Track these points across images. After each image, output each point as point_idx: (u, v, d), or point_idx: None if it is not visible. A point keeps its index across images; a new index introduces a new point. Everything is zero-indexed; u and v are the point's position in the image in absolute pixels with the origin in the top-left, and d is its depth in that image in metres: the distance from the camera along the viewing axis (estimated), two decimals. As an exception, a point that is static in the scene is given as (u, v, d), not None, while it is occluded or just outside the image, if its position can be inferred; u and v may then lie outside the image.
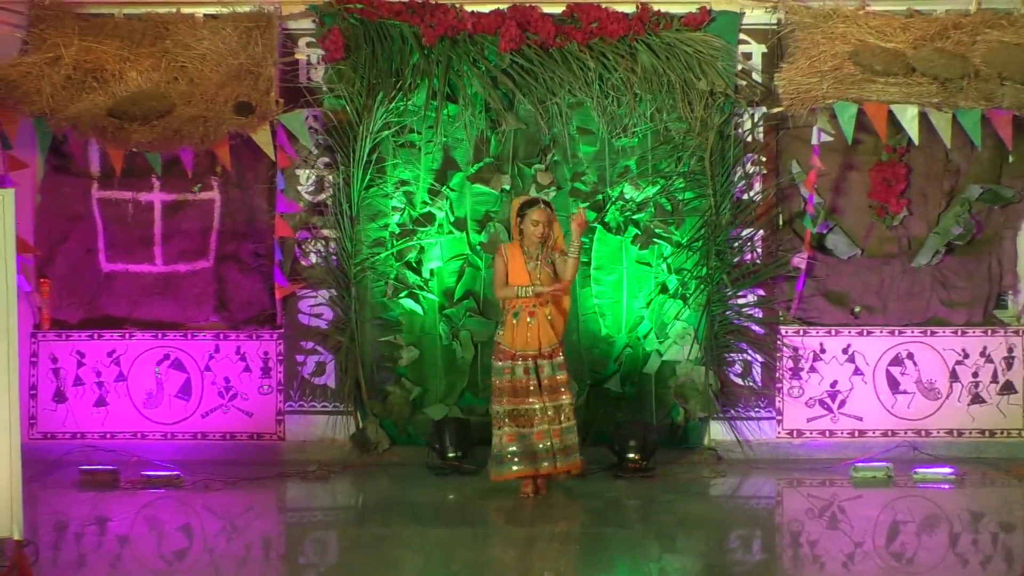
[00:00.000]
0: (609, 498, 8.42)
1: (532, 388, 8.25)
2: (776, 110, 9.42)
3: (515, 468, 8.23)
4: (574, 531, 7.64)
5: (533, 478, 8.31)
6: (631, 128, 9.65)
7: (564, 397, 8.28)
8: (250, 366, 9.65)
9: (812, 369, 9.67)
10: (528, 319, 8.28)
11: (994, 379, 9.63)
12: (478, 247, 9.74)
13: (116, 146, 9.10)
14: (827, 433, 9.65)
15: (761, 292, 9.68)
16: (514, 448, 8.21)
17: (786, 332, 9.67)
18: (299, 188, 9.66)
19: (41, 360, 9.63)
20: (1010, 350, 9.64)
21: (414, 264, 9.73)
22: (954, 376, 9.65)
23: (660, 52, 9.57)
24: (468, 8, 9.57)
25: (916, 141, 9.15)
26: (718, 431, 9.66)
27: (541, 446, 8.22)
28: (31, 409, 9.59)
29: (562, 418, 8.27)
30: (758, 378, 9.66)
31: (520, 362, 8.27)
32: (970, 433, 9.64)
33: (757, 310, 9.67)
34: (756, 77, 9.66)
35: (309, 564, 7.14)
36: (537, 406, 8.24)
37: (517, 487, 8.35)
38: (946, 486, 8.76)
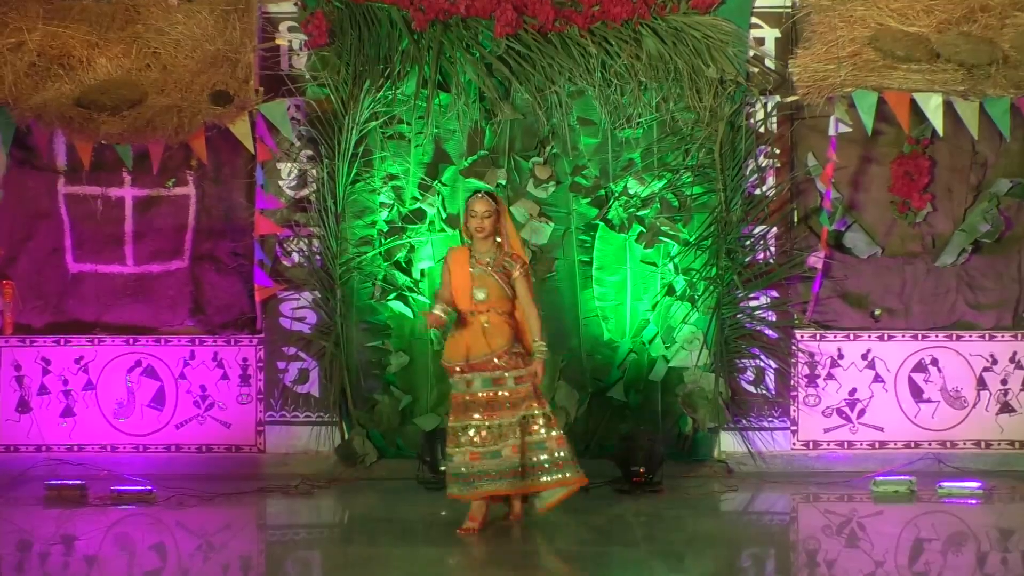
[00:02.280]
0: (612, 514, 8.40)
1: (492, 402, 7.83)
2: (791, 99, 9.41)
3: (488, 486, 7.78)
4: (575, 550, 7.62)
5: (508, 498, 7.97)
6: (635, 118, 9.64)
7: (537, 407, 7.83)
8: (228, 373, 9.63)
9: (829, 376, 9.66)
10: (473, 327, 7.84)
11: (1024, 387, 9.64)
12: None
13: (84, 138, 9.08)
14: (845, 444, 9.64)
15: (775, 294, 9.67)
16: (478, 467, 7.77)
17: (801, 336, 9.65)
18: (280, 183, 9.65)
19: (3, 367, 9.60)
20: (1041, 355, 9.66)
21: (403, 264, 9.71)
22: (981, 383, 9.64)
23: (667, 37, 9.55)
24: (461, -10, 9.56)
25: (940, 132, 9.14)
26: (729, 442, 9.64)
27: (516, 462, 7.77)
28: (-7, 420, 9.57)
29: (538, 428, 7.83)
30: (771, 386, 9.65)
31: (475, 373, 7.81)
32: (999, 444, 9.63)
33: (770, 313, 9.66)
34: (769, 64, 9.65)
35: (291, 586, 7.13)
36: (492, 423, 7.78)
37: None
38: (973, 501, 8.74)
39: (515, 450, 7.73)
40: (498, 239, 7.96)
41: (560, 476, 7.84)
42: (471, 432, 7.78)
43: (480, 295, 7.84)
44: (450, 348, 7.90)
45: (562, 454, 7.84)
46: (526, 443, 7.78)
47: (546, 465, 7.82)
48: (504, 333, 7.83)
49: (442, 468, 9.04)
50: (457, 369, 7.83)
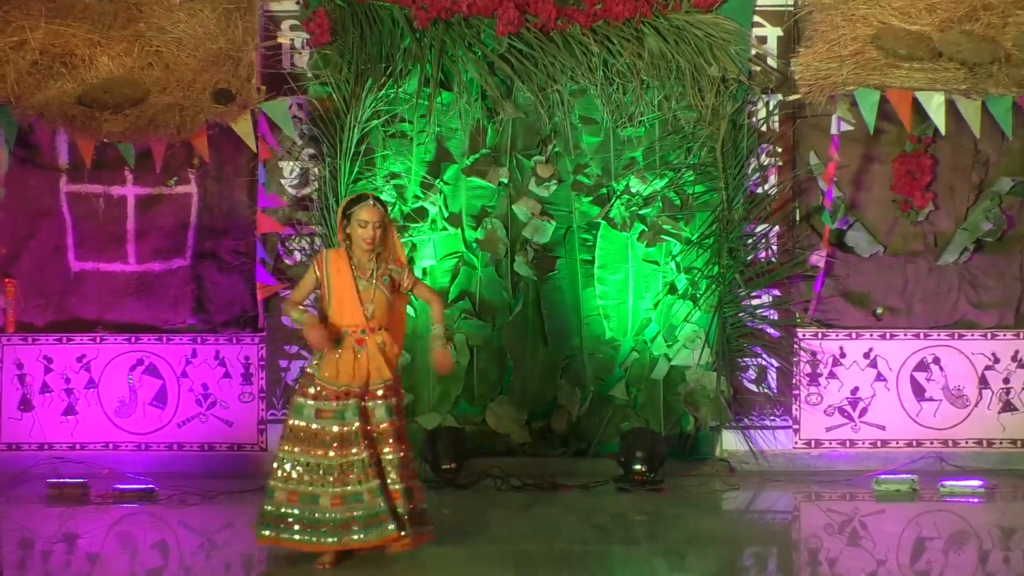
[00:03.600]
0: (614, 513, 8.40)
1: (345, 437, 6.81)
2: (793, 98, 9.41)
3: (296, 537, 6.83)
4: (577, 549, 7.61)
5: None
6: (637, 117, 9.64)
7: (390, 451, 6.88)
8: (230, 372, 9.63)
9: (831, 375, 9.66)
10: (356, 347, 6.91)
11: (1026, 385, 9.64)
12: (474, 244, 9.71)
13: (86, 136, 9.09)
14: (847, 443, 9.63)
15: (777, 292, 9.66)
16: (296, 512, 6.82)
17: (803, 335, 9.65)
18: (282, 181, 9.65)
19: (5, 366, 9.59)
20: (1043, 354, 9.66)
21: (405, 263, 9.70)
22: (983, 382, 9.64)
23: (668, 36, 9.55)
24: (463, -12, 9.56)
25: (943, 130, 9.15)
26: (731, 441, 9.64)
27: (337, 515, 6.78)
28: (-5, 418, 9.58)
29: (389, 479, 6.84)
30: (773, 384, 9.64)
31: (344, 402, 6.85)
32: (1001, 443, 9.63)
33: (772, 312, 9.65)
34: (771, 62, 9.65)
35: (292, 584, 7.12)
36: (344, 461, 6.79)
37: (516, 502, 8.32)
38: (975, 500, 8.74)
39: (368, 495, 6.77)
40: (378, 250, 7.00)
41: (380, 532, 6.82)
42: (314, 470, 6.81)
43: (369, 309, 6.94)
44: (340, 370, 6.87)
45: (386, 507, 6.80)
46: (372, 489, 6.76)
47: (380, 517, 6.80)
48: (394, 356, 7.06)
49: (444, 467, 9.07)
50: (331, 395, 6.85)
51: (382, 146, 9.67)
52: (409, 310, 9.65)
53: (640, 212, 9.69)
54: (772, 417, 9.64)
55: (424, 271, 9.71)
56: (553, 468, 9.32)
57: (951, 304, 9.76)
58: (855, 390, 9.64)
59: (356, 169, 9.59)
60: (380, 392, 6.90)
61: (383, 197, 9.61)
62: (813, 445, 9.64)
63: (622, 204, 9.69)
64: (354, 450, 6.78)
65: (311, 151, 9.65)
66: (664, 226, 9.66)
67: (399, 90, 9.61)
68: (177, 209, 9.77)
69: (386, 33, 9.58)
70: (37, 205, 9.72)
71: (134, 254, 9.77)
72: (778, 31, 9.69)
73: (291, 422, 6.87)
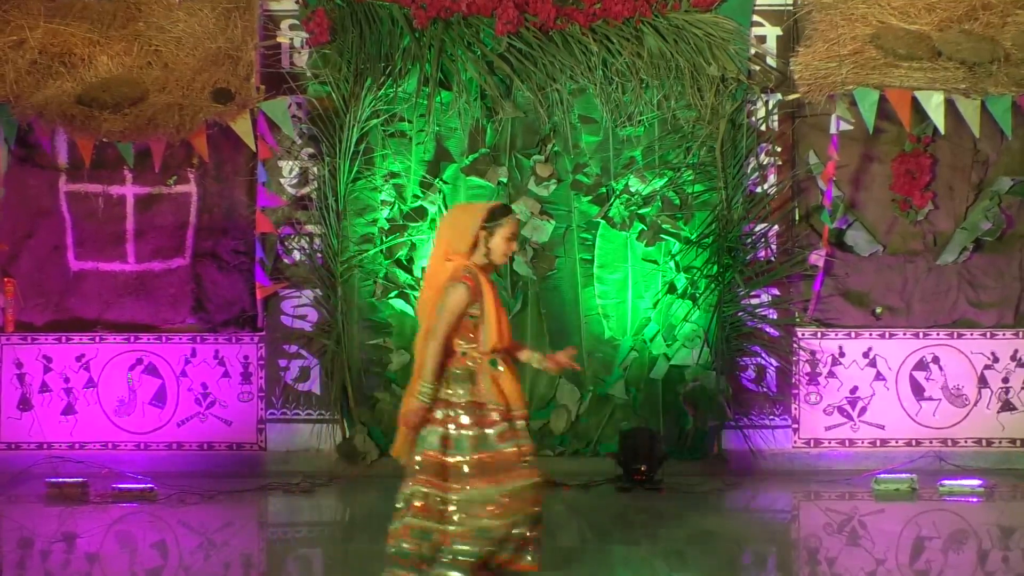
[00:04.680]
0: (614, 512, 8.40)
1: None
2: (792, 97, 9.41)
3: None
4: (576, 548, 7.61)
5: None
6: (637, 116, 9.63)
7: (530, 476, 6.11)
8: (229, 371, 9.63)
9: (831, 374, 9.65)
10: (500, 366, 6.10)
11: (1025, 385, 9.64)
12: (473, 244, 9.69)
13: (85, 136, 9.09)
14: (847, 442, 9.63)
15: (776, 292, 9.66)
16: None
17: (803, 334, 9.65)
18: (281, 181, 9.64)
19: (5, 365, 9.59)
20: (1042, 353, 9.66)
21: (404, 262, 9.71)
22: (983, 381, 9.64)
23: (668, 35, 9.55)
24: (462, -12, 9.56)
25: (942, 130, 9.15)
26: (730, 440, 9.63)
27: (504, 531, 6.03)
28: (-6, 418, 9.58)
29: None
30: (773, 384, 9.64)
31: (514, 423, 6.10)
32: (1000, 442, 9.63)
33: (772, 311, 9.65)
34: (770, 62, 9.65)
35: (292, 583, 7.13)
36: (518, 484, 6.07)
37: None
38: (974, 499, 8.73)
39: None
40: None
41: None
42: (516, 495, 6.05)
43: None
44: (491, 390, 6.04)
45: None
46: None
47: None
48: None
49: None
50: (499, 417, 6.05)
51: (381, 145, 9.67)
52: (408, 309, 9.66)
53: (639, 211, 9.68)
54: (771, 416, 9.64)
55: (423, 270, 9.70)
56: (553, 467, 9.29)
57: (950, 303, 9.76)
58: (854, 389, 9.64)
59: (355, 168, 9.59)
60: (521, 412, 6.17)
61: (382, 197, 9.68)
62: (812, 444, 9.64)
63: (621, 203, 9.68)
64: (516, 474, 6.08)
65: (310, 150, 9.64)
66: (663, 225, 9.66)
67: (398, 89, 9.61)
68: (176, 208, 9.77)
69: (385, 32, 9.57)
70: (36, 204, 9.71)
71: (133, 253, 9.77)
72: (777, 30, 9.69)
73: (475, 457, 5.98)
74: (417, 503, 5.99)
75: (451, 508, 5.97)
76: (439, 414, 6.01)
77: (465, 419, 5.99)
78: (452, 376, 6.02)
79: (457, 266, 6.00)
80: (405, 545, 6.03)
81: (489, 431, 6.01)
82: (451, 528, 5.97)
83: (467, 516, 5.95)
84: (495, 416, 6.02)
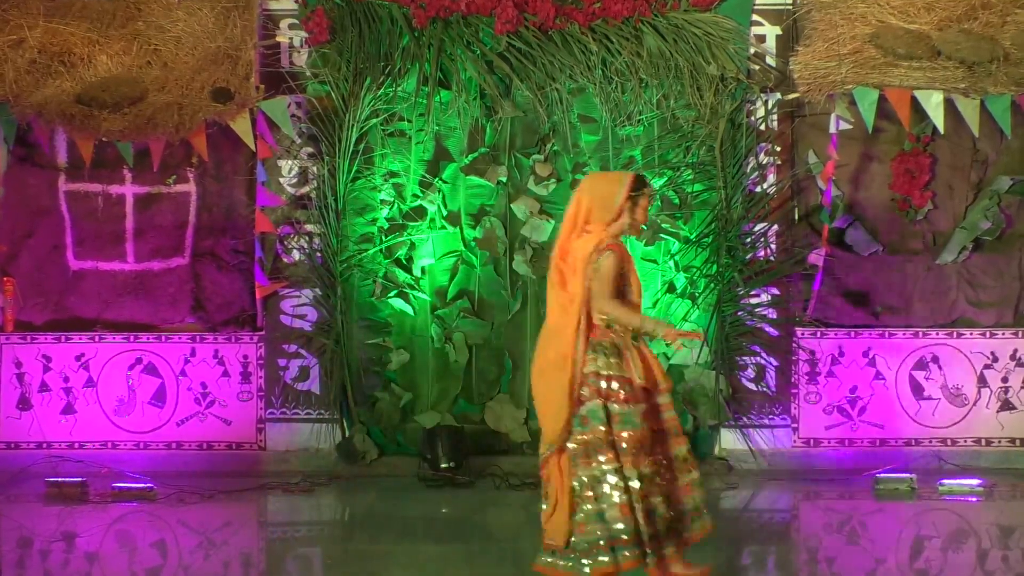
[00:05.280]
0: (613, 512, 8.37)
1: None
2: (791, 96, 9.40)
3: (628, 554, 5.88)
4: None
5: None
6: (636, 116, 9.63)
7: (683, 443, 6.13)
8: (229, 371, 9.62)
9: (830, 374, 9.65)
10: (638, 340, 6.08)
11: (1025, 384, 9.64)
12: (472, 243, 9.70)
13: (85, 135, 9.08)
14: (846, 442, 9.63)
15: (775, 291, 9.65)
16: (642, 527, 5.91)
17: (802, 334, 9.64)
18: (281, 180, 9.64)
19: (4, 364, 9.58)
20: (1042, 353, 9.65)
21: (404, 261, 9.70)
22: (982, 381, 9.64)
23: (667, 34, 9.55)
24: (462, -13, 9.55)
25: (941, 129, 9.15)
26: (729, 440, 9.63)
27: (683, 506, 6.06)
28: (-7, 417, 9.57)
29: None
30: (772, 383, 9.64)
31: (662, 395, 6.08)
32: (999, 442, 9.63)
33: (771, 310, 9.65)
34: (770, 61, 9.64)
35: (291, 583, 7.12)
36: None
37: (515, 501, 8.30)
38: (974, 499, 8.73)
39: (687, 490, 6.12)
40: None
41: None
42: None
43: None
44: (641, 365, 5.99)
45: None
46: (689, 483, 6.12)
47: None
48: None
49: (443, 466, 9.05)
50: (651, 389, 6.03)
51: (381, 145, 9.66)
52: (407, 308, 9.66)
53: (639, 211, 9.67)
54: (771, 416, 9.64)
55: (423, 270, 9.70)
56: (552, 467, 9.31)
57: (950, 303, 9.76)
58: (854, 389, 9.64)
59: (355, 168, 9.58)
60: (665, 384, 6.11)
61: (382, 196, 9.67)
62: (812, 444, 9.64)
63: (621, 203, 9.66)
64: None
65: (310, 150, 9.64)
66: (663, 225, 9.66)
67: (398, 89, 9.60)
68: (176, 208, 9.76)
69: (385, 32, 9.57)
70: (36, 204, 9.71)
71: (133, 253, 9.76)
72: (777, 30, 9.68)
73: (625, 433, 5.88)
74: (607, 485, 5.84)
75: (632, 484, 5.84)
76: (589, 389, 5.89)
77: (622, 393, 5.88)
78: (600, 348, 5.91)
79: (600, 236, 5.91)
80: (591, 532, 5.87)
81: (642, 405, 5.91)
82: (617, 499, 5.83)
83: (640, 492, 5.83)
84: (646, 390, 5.93)
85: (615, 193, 5.98)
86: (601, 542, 5.84)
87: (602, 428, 5.86)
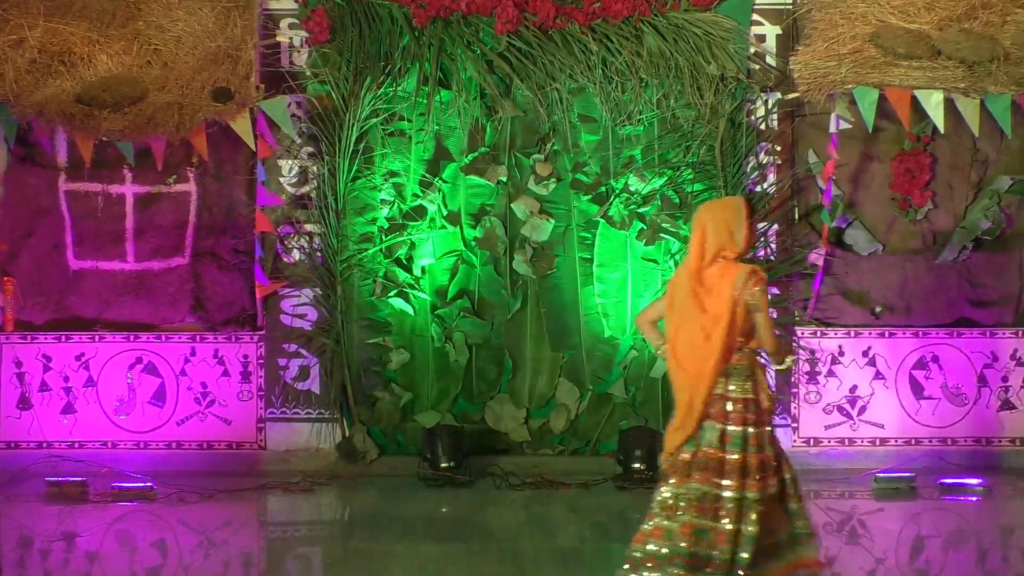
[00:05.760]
0: (613, 511, 8.39)
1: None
2: (791, 96, 9.40)
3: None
4: (576, 547, 7.61)
5: None
6: (636, 115, 9.63)
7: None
8: (229, 370, 9.62)
9: (830, 373, 9.65)
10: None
11: (1025, 383, 9.64)
12: (473, 243, 9.70)
13: (85, 135, 9.08)
14: (846, 441, 9.63)
15: (775, 291, 9.64)
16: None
17: (802, 333, 9.64)
18: (281, 180, 9.63)
19: (4, 364, 9.58)
20: (1042, 352, 9.65)
21: (404, 261, 9.70)
22: (982, 380, 9.63)
23: (667, 34, 9.54)
24: (462, -13, 9.55)
25: (942, 129, 9.14)
26: (730, 439, 9.61)
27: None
28: (-7, 417, 9.57)
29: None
30: (772, 383, 9.61)
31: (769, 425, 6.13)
32: (999, 441, 9.62)
33: (771, 310, 9.62)
34: (770, 61, 9.64)
35: (292, 582, 7.12)
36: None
37: (515, 501, 8.30)
38: (974, 498, 8.73)
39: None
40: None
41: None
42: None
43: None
44: (766, 388, 6.15)
45: None
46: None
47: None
48: None
49: (443, 465, 9.05)
50: (767, 416, 6.11)
51: (381, 144, 9.66)
52: (407, 308, 9.66)
53: (639, 210, 9.67)
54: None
55: (423, 269, 9.70)
56: (552, 466, 9.32)
57: (950, 302, 9.75)
58: (854, 388, 9.63)
59: (355, 167, 9.58)
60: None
61: (382, 196, 9.67)
62: (812, 443, 9.64)
63: (621, 202, 9.68)
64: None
65: (310, 149, 9.64)
66: (663, 224, 9.65)
67: (398, 88, 9.60)
68: (176, 207, 9.76)
69: (385, 31, 9.57)
70: (36, 203, 9.70)
71: (133, 252, 9.76)
72: (777, 29, 9.68)
73: (746, 456, 5.92)
74: (684, 503, 5.87)
75: (726, 507, 5.85)
76: (716, 410, 5.93)
77: (738, 416, 5.92)
78: (732, 371, 5.97)
79: (748, 266, 6.08)
80: (651, 547, 5.89)
81: (756, 430, 5.97)
82: (725, 526, 5.83)
83: (738, 517, 5.84)
84: (764, 415, 6.00)
85: (739, 221, 6.13)
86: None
87: (711, 450, 5.90)
